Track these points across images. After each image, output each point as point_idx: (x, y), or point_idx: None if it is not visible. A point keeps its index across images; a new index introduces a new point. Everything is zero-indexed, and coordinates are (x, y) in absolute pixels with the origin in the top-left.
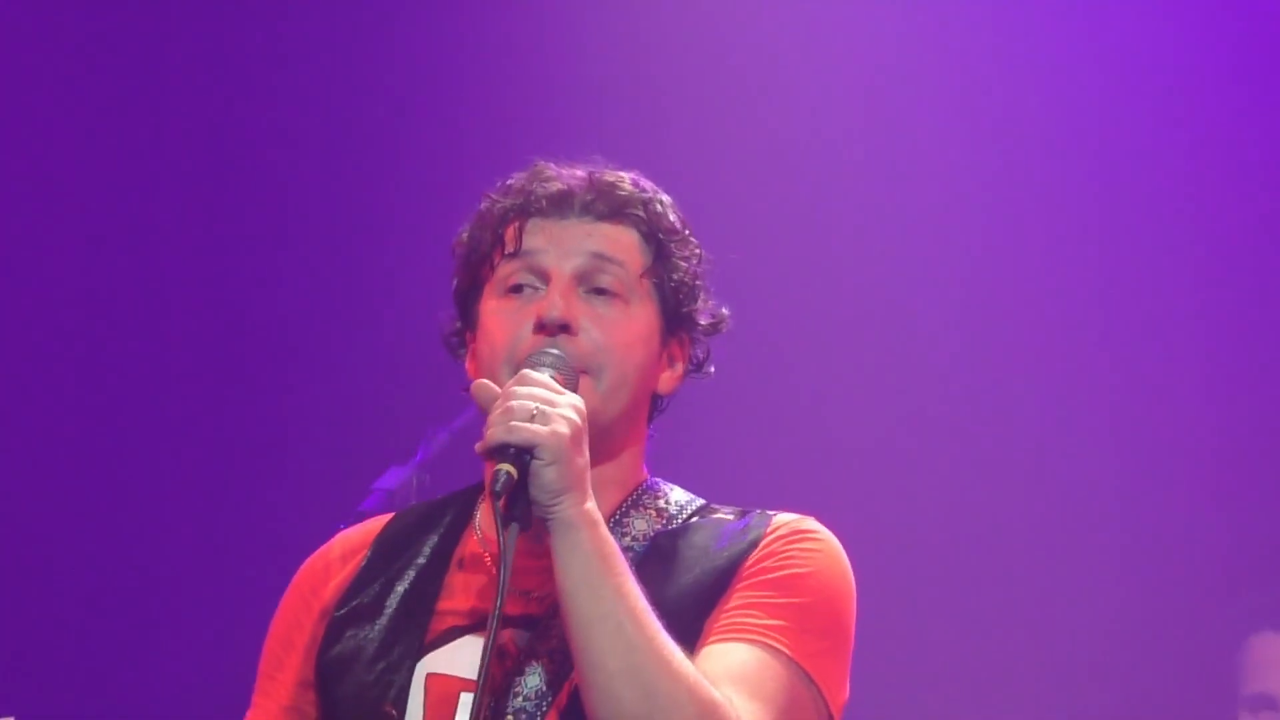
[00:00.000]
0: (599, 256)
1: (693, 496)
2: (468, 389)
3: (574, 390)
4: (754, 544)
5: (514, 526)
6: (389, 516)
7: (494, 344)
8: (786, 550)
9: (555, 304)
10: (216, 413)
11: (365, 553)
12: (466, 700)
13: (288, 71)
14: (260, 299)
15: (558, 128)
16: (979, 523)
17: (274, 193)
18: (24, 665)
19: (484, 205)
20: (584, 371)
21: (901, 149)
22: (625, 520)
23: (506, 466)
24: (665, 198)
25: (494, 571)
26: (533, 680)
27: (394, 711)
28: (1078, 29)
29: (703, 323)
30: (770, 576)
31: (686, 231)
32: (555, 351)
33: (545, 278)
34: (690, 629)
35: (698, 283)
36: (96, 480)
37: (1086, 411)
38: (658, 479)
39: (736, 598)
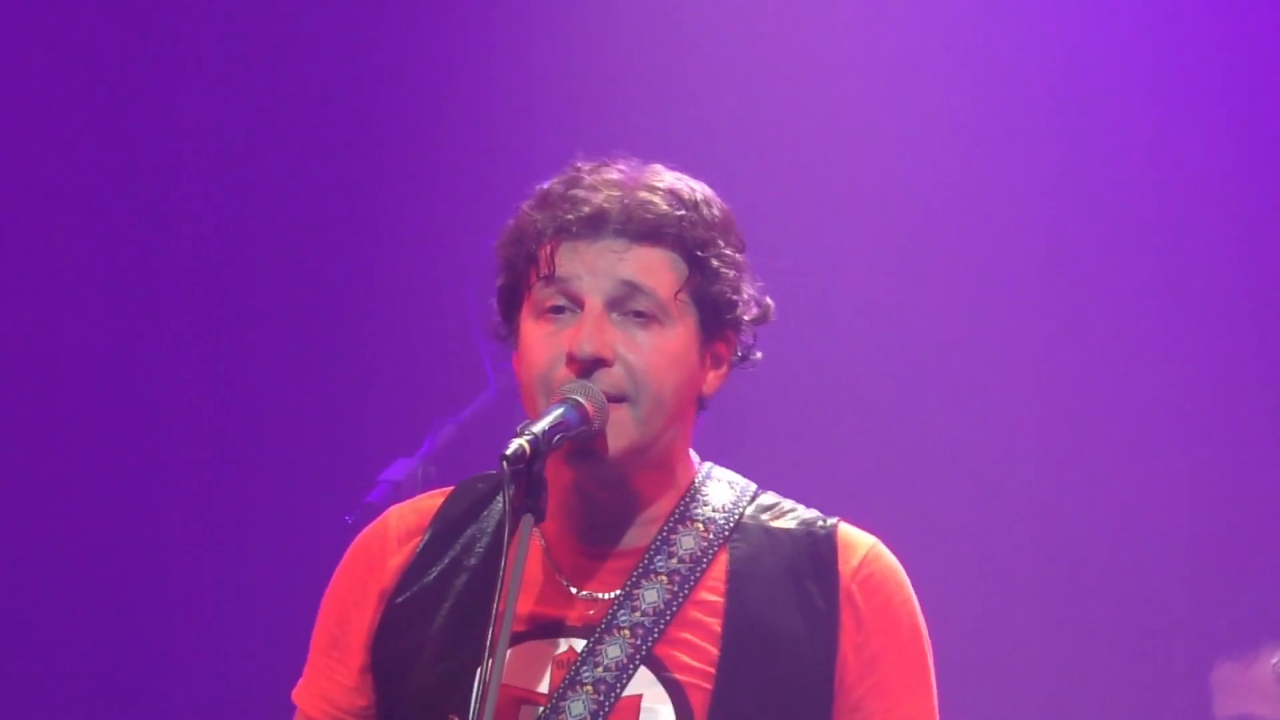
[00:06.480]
0: (630, 283)
1: (746, 482)
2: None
3: (607, 417)
4: (835, 614)
5: (528, 518)
6: (445, 494)
7: (530, 369)
8: (896, 632)
9: (586, 339)
10: (223, 404)
11: (423, 536)
12: (527, 713)
13: (287, 65)
14: (268, 290)
15: (558, 123)
16: (979, 521)
17: (281, 185)
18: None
19: (521, 217)
20: (620, 399)
21: (942, 131)
22: (701, 494)
23: (522, 440)
24: (704, 201)
25: (553, 575)
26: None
27: None
28: (1094, 26)
29: (746, 319)
30: (900, 675)
31: (726, 238)
32: (584, 383)
33: (579, 303)
34: (790, 671)
35: (740, 285)
36: (99, 474)
37: (1102, 407)
38: (707, 464)
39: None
